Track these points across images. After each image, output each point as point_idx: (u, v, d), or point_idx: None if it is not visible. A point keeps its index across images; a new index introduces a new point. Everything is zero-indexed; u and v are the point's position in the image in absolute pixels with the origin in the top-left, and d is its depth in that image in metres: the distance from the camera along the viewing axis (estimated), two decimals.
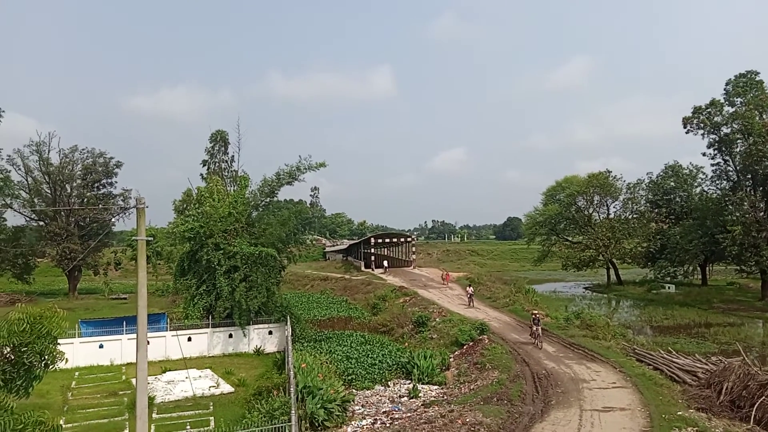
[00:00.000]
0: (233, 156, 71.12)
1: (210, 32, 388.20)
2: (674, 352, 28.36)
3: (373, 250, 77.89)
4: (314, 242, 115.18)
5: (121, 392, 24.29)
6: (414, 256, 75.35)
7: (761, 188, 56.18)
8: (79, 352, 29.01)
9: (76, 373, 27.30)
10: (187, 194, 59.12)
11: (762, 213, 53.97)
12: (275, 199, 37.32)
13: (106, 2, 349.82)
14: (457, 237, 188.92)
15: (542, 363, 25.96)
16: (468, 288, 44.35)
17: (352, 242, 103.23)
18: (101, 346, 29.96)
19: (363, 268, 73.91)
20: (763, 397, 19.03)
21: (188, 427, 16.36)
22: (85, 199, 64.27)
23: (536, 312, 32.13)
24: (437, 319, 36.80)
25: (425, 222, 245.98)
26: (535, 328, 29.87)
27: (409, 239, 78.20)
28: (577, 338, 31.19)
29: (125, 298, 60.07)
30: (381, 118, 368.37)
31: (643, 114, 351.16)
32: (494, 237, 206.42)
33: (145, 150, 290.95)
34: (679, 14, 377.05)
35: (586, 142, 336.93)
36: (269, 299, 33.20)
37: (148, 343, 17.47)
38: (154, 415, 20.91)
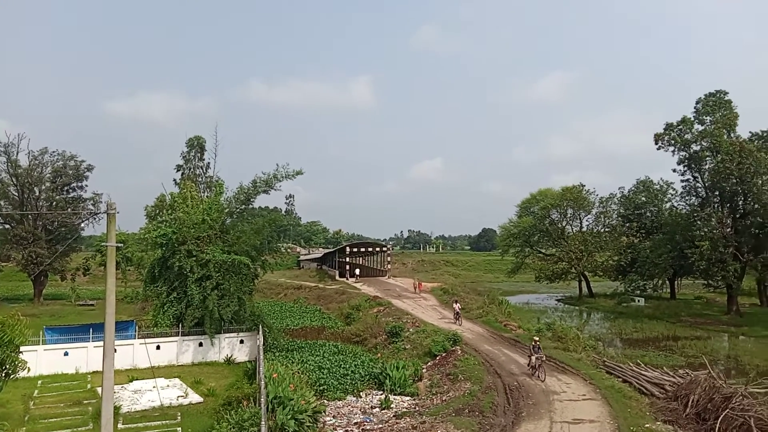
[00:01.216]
0: (209, 162, 70.75)
1: (192, 37, 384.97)
2: (643, 365, 28.84)
3: (348, 260, 77.73)
4: (288, 250, 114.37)
5: (85, 401, 23.63)
6: (389, 266, 75.37)
7: (728, 205, 57.82)
8: (43, 359, 28.24)
9: (39, 382, 26.52)
10: (160, 200, 58.27)
11: (729, 229, 55.41)
12: (250, 206, 36.99)
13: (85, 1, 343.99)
14: (433, 247, 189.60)
15: (514, 375, 26.12)
16: (455, 305, 41.61)
17: (327, 251, 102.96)
18: (66, 354, 29.17)
19: (337, 277, 73.74)
20: (728, 410, 19.43)
21: None
22: (54, 203, 62.82)
23: (537, 338, 28.03)
24: (411, 330, 36.76)
25: (401, 231, 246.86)
26: (534, 358, 25.52)
27: (384, 249, 78.29)
28: (548, 350, 31.29)
29: (93, 305, 58.76)
30: (361, 127, 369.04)
31: (621, 128, 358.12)
32: (469, 248, 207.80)
33: (120, 154, 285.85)
34: (663, 27, 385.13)
35: (563, 155, 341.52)
36: (241, 308, 32.78)
37: (116, 350, 17.09)
38: (120, 426, 20.42)
